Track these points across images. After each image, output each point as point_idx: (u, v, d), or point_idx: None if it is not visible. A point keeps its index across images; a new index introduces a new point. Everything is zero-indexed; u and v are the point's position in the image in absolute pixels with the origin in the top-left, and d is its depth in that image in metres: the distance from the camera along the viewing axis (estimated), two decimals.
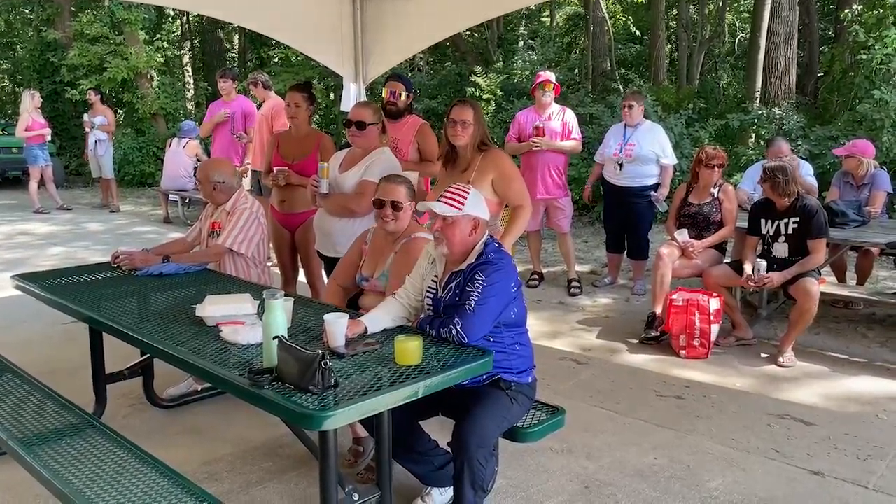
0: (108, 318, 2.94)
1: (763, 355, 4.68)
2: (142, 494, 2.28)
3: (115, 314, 3.01)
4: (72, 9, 15.15)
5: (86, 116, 10.93)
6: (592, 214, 9.25)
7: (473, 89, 11.57)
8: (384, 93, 4.65)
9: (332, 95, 14.81)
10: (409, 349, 2.35)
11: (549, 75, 6.09)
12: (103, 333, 3.38)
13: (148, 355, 3.70)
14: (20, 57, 18.49)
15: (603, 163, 6.18)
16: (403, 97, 4.57)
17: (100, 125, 10.67)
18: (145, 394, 3.89)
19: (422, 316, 2.78)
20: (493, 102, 11.43)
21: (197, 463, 3.28)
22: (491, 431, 2.55)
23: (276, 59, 16.64)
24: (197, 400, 3.96)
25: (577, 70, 13.39)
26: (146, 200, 12.21)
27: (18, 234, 9.04)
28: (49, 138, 10.78)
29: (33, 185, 10.65)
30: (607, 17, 13.65)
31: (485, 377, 2.62)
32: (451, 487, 2.66)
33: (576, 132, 6.11)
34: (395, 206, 3.08)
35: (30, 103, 10.43)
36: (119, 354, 3.75)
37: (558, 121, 6.04)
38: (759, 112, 9.60)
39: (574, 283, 6.23)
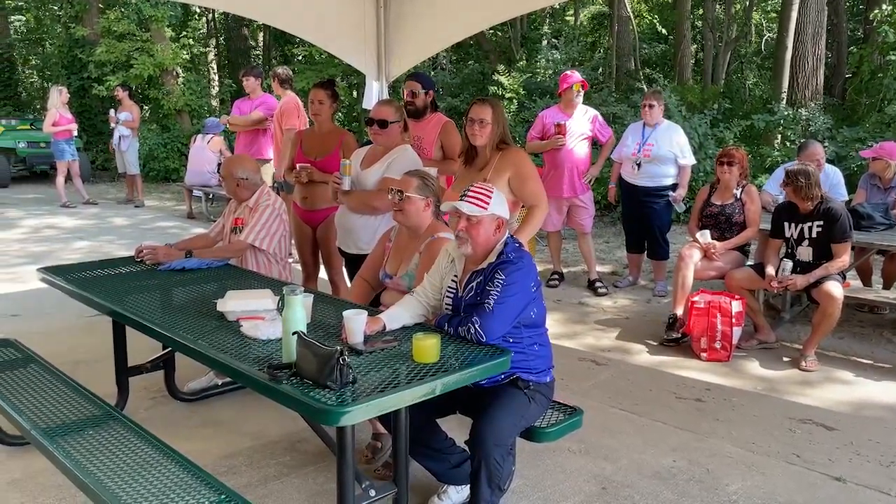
0: (132, 312, 2.98)
1: (785, 359, 4.63)
2: (162, 487, 2.31)
3: (138, 308, 3.04)
4: (100, 6, 15.33)
5: (111, 112, 11.07)
6: (614, 214, 9.20)
7: (496, 88, 11.55)
8: (403, 92, 4.66)
9: (354, 93, 14.87)
10: (427, 347, 2.35)
11: (580, 76, 6.08)
12: (126, 326, 3.43)
13: (169, 349, 3.74)
14: (49, 53, 18.79)
15: (621, 161, 6.16)
16: (421, 96, 4.58)
17: (124, 121, 10.81)
18: (167, 387, 3.93)
19: (440, 314, 2.78)
20: (515, 101, 11.41)
21: (216, 456, 3.31)
22: (508, 430, 2.55)
23: (300, 57, 16.73)
24: (217, 394, 4.00)
25: (600, 69, 13.32)
26: (170, 196, 12.34)
27: (45, 228, 9.19)
28: (76, 134, 10.93)
29: (60, 179, 10.82)
30: (632, 16, 13.57)
31: (503, 376, 2.62)
32: (468, 485, 2.66)
33: (606, 129, 6.17)
34: (399, 195, 3.11)
35: (57, 99, 10.59)
36: (141, 347, 3.80)
37: (585, 120, 6.03)
38: (786, 113, 9.49)
39: (598, 283, 6.20)
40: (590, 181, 6.18)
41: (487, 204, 2.64)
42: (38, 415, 2.84)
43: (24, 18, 20.59)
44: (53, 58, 17.48)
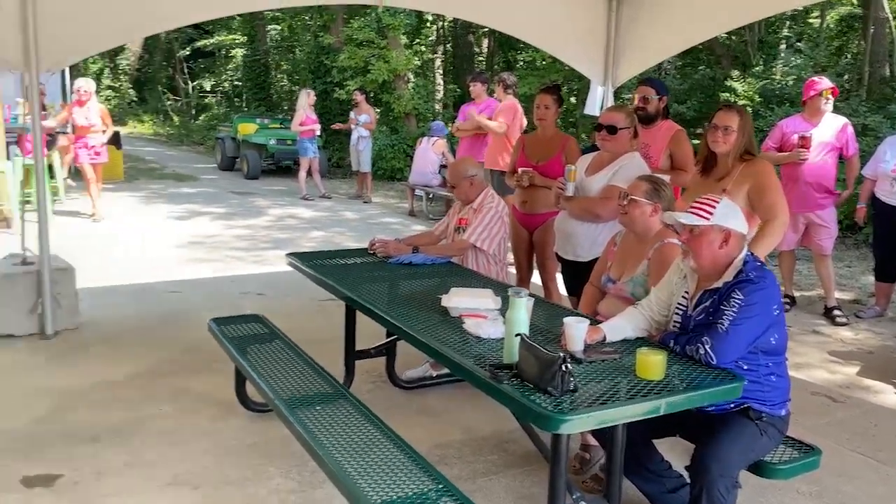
0: (365, 300, 3.19)
1: None
2: (384, 466, 2.43)
3: (370, 296, 3.26)
4: (344, 16, 16.64)
5: (352, 114, 12.01)
6: (859, 236, 8.28)
7: (728, 94, 10.90)
8: (634, 98, 4.54)
9: (573, 99, 14.79)
10: (653, 363, 2.26)
11: (829, 82, 5.54)
12: (356, 312, 3.67)
13: (394, 336, 3.95)
14: (298, 59, 20.77)
15: (875, 179, 5.51)
16: (654, 102, 4.43)
17: (363, 123, 11.67)
18: (387, 373, 4.17)
19: (665, 331, 2.66)
20: (749, 109, 10.69)
21: (429, 445, 3.43)
22: (736, 461, 2.37)
23: (522, 62, 16.96)
24: (431, 385, 4.17)
25: (846, 76, 12.05)
26: (394, 194, 13.09)
27: (287, 217, 10.16)
28: (318, 133, 11.98)
29: (302, 174, 11.91)
30: (890, 18, 12.11)
31: (733, 405, 2.45)
32: None
33: (853, 145, 5.55)
34: (624, 196, 3.04)
35: (305, 101, 11.68)
36: (361, 333, 4.03)
37: (833, 129, 5.48)
38: None
39: (837, 311, 5.62)
40: (839, 206, 5.59)
41: (711, 214, 2.47)
42: (280, 385, 3.12)
43: (279, 27, 22.97)
44: (302, 63, 19.27)
